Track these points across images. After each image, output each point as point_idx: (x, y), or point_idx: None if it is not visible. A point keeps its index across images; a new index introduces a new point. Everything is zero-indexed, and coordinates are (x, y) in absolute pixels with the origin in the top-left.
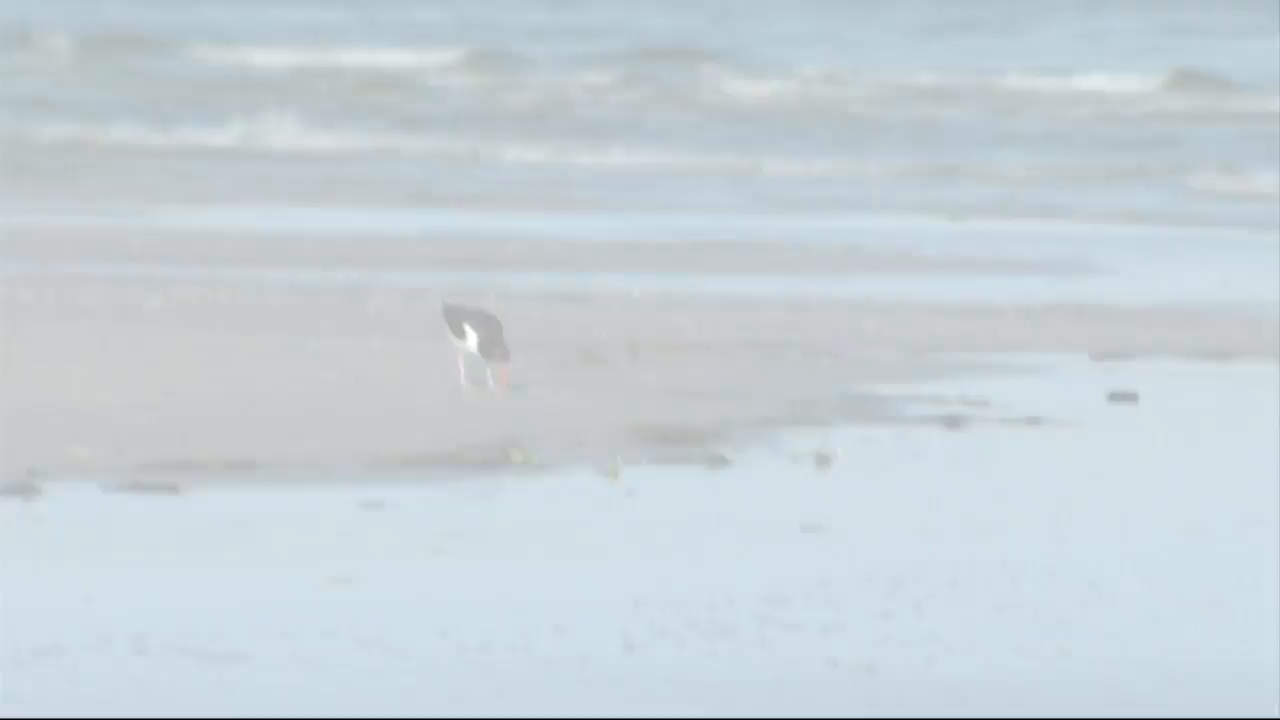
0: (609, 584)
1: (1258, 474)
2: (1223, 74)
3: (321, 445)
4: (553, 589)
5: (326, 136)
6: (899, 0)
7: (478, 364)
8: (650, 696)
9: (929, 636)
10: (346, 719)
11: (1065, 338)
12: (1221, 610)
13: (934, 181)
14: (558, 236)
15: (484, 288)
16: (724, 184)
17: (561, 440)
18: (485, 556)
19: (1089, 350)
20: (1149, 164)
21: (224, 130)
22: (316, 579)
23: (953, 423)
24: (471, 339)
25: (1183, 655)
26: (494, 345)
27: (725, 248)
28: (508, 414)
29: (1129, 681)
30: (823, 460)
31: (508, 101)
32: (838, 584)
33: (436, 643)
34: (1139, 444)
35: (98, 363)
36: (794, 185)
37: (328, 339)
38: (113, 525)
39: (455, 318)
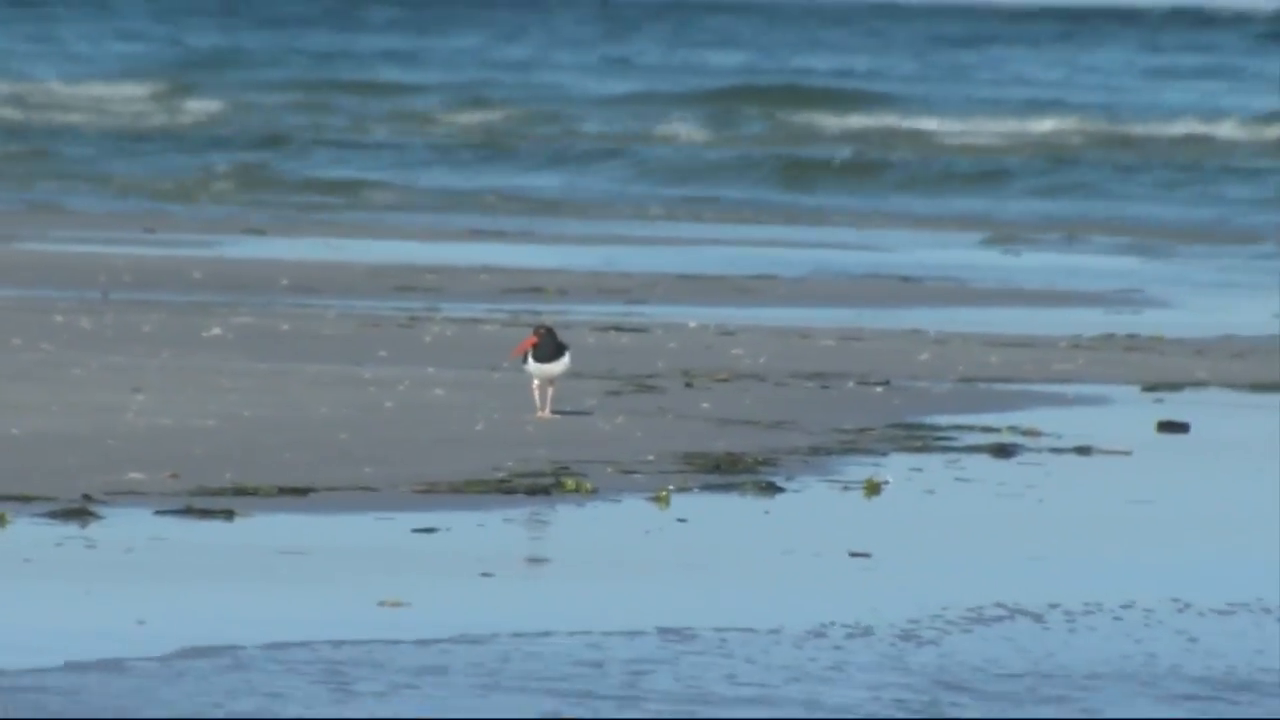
0: (655, 608)
1: None
2: None
3: (376, 471)
4: (600, 612)
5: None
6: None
7: (544, 390)
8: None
9: (973, 667)
10: None
11: (1117, 369)
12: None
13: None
14: (614, 269)
15: (541, 317)
16: (780, 218)
17: (615, 467)
18: (536, 580)
19: (1140, 381)
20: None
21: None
22: (369, 603)
23: (1003, 452)
24: (530, 360)
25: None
26: (532, 340)
27: (780, 280)
28: (562, 441)
29: None
30: (872, 488)
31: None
32: (885, 611)
33: (480, 664)
34: (1189, 473)
35: (156, 389)
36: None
37: (384, 367)
38: (167, 550)
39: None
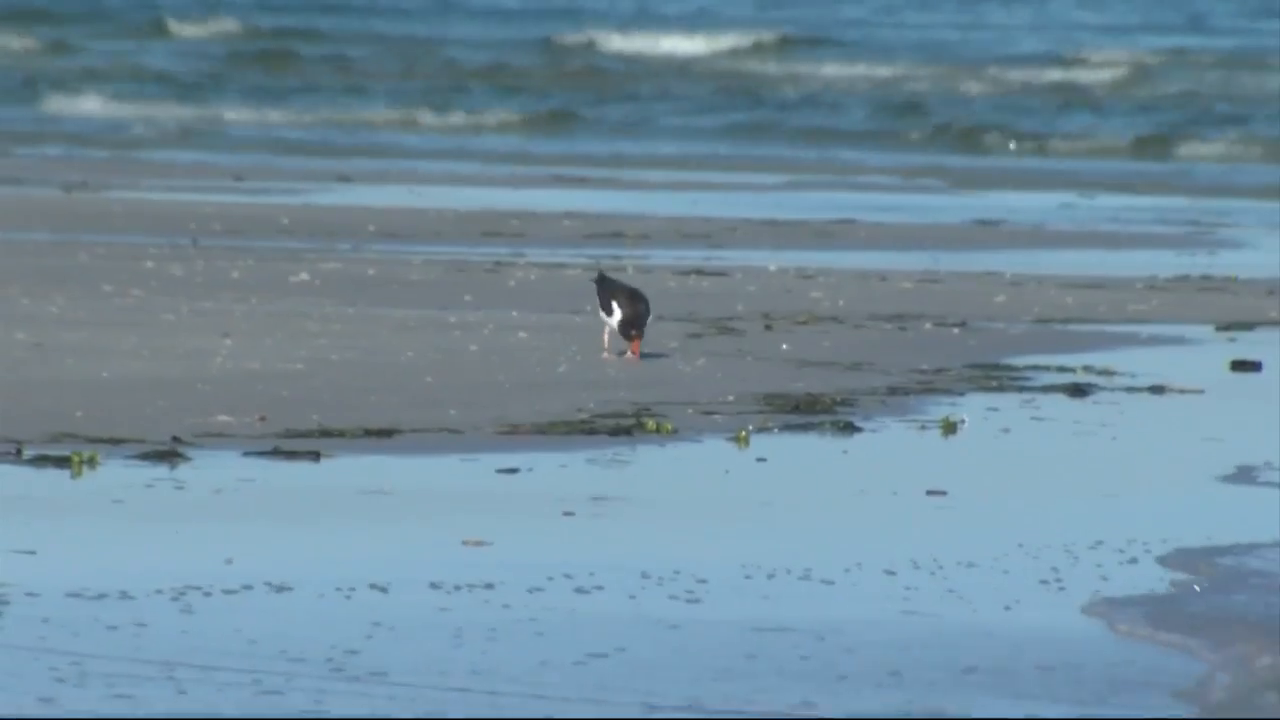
0: (736, 547)
1: None
2: None
3: (460, 414)
4: (681, 552)
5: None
6: None
7: (618, 338)
8: (793, 659)
9: (1046, 600)
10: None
11: (1190, 309)
12: None
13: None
14: (698, 214)
15: (624, 261)
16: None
17: (695, 408)
18: (616, 520)
19: (1214, 321)
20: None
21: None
22: (453, 542)
23: (1078, 391)
24: (616, 316)
25: None
26: (631, 326)
27: (861, 224)
28: (643, 383)
29: None
30: (948, 427)
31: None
32: (965, 548)
33: (571, 601)
34: (1260, 410)
35: (244, 334)
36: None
37: (469, 311)
38: (255, 491)
39: (606, 294)
